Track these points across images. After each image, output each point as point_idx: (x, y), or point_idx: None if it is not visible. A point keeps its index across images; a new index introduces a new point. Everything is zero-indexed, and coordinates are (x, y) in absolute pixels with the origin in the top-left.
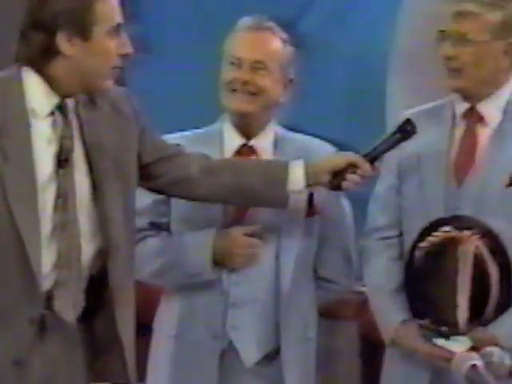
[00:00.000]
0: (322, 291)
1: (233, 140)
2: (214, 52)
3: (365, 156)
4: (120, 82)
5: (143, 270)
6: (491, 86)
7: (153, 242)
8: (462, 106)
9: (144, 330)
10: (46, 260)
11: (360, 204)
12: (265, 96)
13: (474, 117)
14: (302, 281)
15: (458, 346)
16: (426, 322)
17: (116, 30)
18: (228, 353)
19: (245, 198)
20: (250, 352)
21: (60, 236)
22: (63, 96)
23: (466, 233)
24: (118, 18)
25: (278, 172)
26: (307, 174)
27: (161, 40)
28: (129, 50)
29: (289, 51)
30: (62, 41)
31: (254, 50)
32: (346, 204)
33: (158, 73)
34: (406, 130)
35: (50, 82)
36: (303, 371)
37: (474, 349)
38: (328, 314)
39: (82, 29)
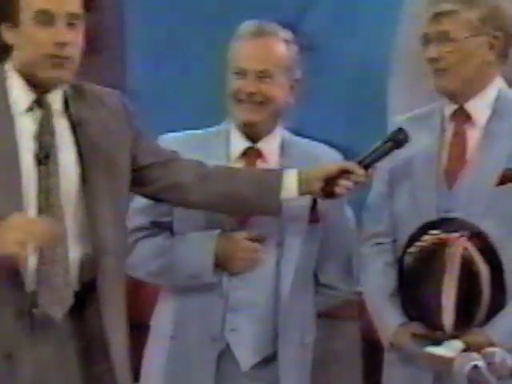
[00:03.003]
0: (322, 297)
1: (239, 142)
2: (215, 53)
3: (358, 163)
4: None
5: (143, 268)
6: (478, 85)
7: (154, 241)
8: (450, 108)
9: (142, 328)
10: (31, 256)
11: (361, 210)
12: (272, 104)
13: (461, 117)
14: (302, 286)
15: (448, 351)
16: (418, 329)
17: (45, 16)
18: (225, 355)
19: (238, 205)
20: (246, 356)
21: None
22: (41, 91)
23: (454, 235)
24: (44, 4)
25: (271, 180)
26: (300, 183)
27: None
28: (61, 39)
29: (293, 52)
30: (5, 31)
31: (258, 60)
32: (348, 211)
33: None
34: (399, 139)
35: (22, 75)
36: (299, 376)
37: (467, 351)
38: (330, 314)
39: (11, 16)
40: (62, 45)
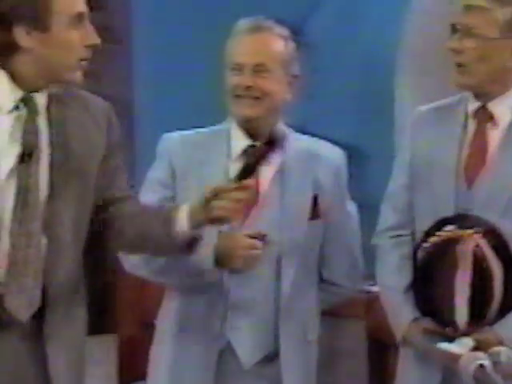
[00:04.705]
0: (327, 294)
1: (240, 141)
2: (216, 53)
3: (233, 179)
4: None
5: (145, 267)
6: (500, 85)
7: None
8: (473, 105)
9: (149, 327)
10: (3, 256)
11: (366, 207)
12: (269, 99)
13: (484, 116)
14: (304, 283)
15: (460, 348)
16: (430, 324)
17: (78, 19)
18: (227, 353)
19: (148, 248)
20: (248, 353)
21: (18, 232)
22: (30, 90)
23: (467, 231)
24: (79, 7)
25: (167, 220)
26: (190, 216)
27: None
28: (94, 40)
29: (290, 48)
30: (20, 35)
31: (254, 54)
32: (351, 207)
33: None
34: (271, 141)
35: (14, 76)
36: (303, 373)
37: (477, 349)
38: (335, 313)
39: (40, 21)
40: (93, 46)
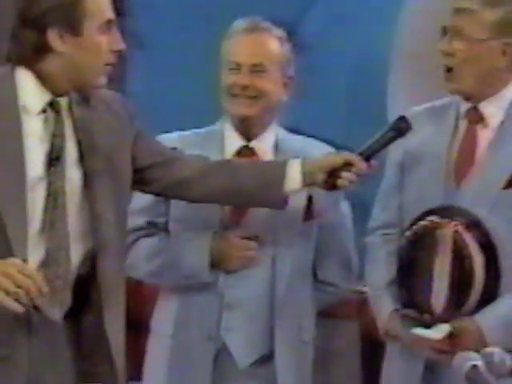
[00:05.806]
0: (322, 294)
1: (233, 141)
2: (213, 53)
3: (360, 154)
4: (115, 80)
5: (140, 269)
6: (491, 87)
7: (151, 242)
8: (464, 106)
9: (143, 327)
10: (34, 258)
11: (360, 206)
12: (265, 98)
13: (475, 117)
14: (299, 284)
15: (436, 333)
16: (408, 311)
17: (107, 25)
18: (222, 354)
19: (241, 199)
20: (243, 354)
21: (49, 234)
22: (56, 94)
23: (447, 219)
24: (109, 13)
25: (274, 172)
26: (304, 174)
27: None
28: (121, 46)
29: (287, 49)
30: (54, 37)
31: (252, 54)
32: (345, 207)
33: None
34: (400, 128)
35: (43, 79)
36: (298, 374)
37: (452, 336)
38: (329, 313)
39: (73, 24)
40: (118, 52)
